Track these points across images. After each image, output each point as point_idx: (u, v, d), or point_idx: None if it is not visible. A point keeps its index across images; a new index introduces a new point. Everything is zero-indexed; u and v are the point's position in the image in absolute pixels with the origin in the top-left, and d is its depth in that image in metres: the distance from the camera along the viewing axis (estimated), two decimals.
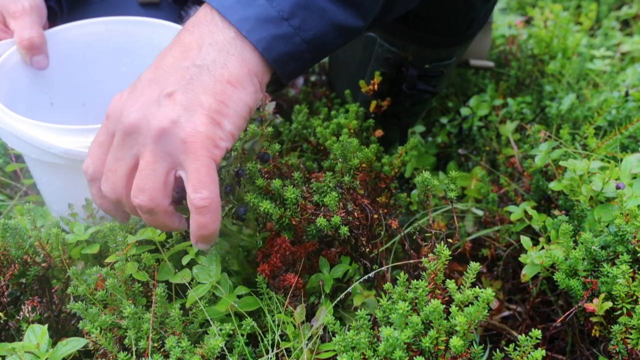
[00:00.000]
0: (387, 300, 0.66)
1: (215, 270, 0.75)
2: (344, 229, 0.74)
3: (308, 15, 0.64)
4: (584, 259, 0.71)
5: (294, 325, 0.73)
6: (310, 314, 0.77)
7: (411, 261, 0.81)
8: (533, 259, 0.77)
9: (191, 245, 0.82)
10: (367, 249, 0.80)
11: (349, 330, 0.65)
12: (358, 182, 0.80)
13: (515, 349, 0.61)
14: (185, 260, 0.77)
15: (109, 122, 0.66)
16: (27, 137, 0.81)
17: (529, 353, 0.60)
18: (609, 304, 0.66)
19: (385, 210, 0.86)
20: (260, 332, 0.73)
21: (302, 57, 0.66)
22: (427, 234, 0.79)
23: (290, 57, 0.65)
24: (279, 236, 0.77)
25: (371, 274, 0.78)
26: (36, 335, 0.68)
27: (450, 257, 0.68)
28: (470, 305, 0.61)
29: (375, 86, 1.04)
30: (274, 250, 0.76)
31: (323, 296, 0.78)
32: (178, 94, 0.61)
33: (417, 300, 0.66)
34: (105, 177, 0.66)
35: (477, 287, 0.63)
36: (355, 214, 0.78)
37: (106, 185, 0.66)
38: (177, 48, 0.64)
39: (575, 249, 0.71)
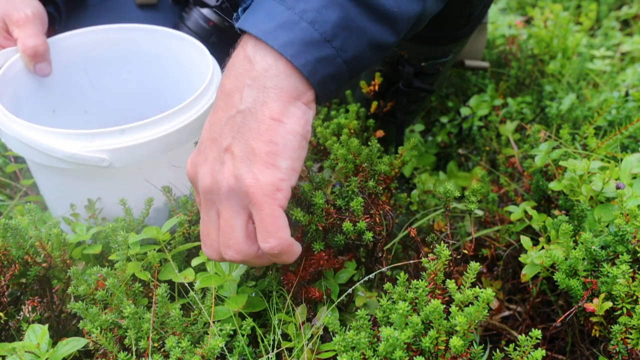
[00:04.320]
0: (387, 301, 0.66)
1: (240, 269, 0.75)
2: (369, 235, 0.74)
3: (348, 36, 0.63)
4: (584, 259, 0.71)
5: (295, 325, 0.73)
6: (313, 316, 0.77)
7: (411, 261, 0.81)
8: (533, 259, 0.77)
9: (199, 247, 0.82)
10: (382, 254, 0.80)
11: (349, 330, 0.65)
12: (381, 188, 0.80)
13: (515, 349, 0.61)
14: (195, 262, 0.77)
15: (194, 186, 0.68)
16: (31, 142, 0.81)
17: (529, 353, 0.60)
18: (609, 304, 0.66)
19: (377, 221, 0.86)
20: (261, 333, 0.73)
21: (341, 78, 0.66)
22: (445, 243, 0.79)
23: (331, 79, 0.64)
24: (310, 247, 0.76)
25: (372, 275, 0.78)
26: (36, 335, 0.68)
27: (451, 257, 0.68)
28: (470, 305, 0.61)
29: (376, 87, 1.04)
30: (308, 264, 0.76)
31: (329, 302, 0.77)
32: (234, 147, 0.62)
33: (417, 300, 0.66)
34: (203, 244, 0.68)
35: (477, 287, 0.63)
36: (377, 219, 0.78)
37: (206, 249, 0.68)
38: (222, 98, 0.64)
39: (575, 249, 0.71)
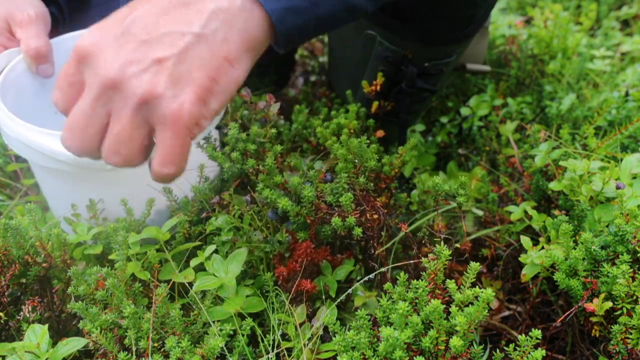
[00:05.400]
0: (387, 300, 0.66)
1: (234, 269, 0.74)
2: (358, 230, 0.74)
3: None
4: (584, 259, 0.71)
5: (295, 326, 0.73)
6: (312, 315, 0.77)
7: (411, 261, 0.81)
8: (533, 259, 0.77)
9: (199, 248, 0.82)
10: (376, 251, 0.80)
11: (349, 330, 0.65)
12: (372, 184, 0.80)
13: (515, 349, 0.61)
14: (193, 263, 0.77)
15: (81, 64, 0.60)
16: (35, 144, 0.81)
17: (529, 353, 0.60)
18: (609, 304, 0.66)
19: (386, 210, 0.86)
20: (261, 333, 0.73)
21: (307, 32, 0.64)
22: (435, 238, 0.79)
23: (297, 31, 0.63)
24: (297, 240, 0.77)
25: (372, 275, 0.78)
26: (36, 335, 0.68)
27: (451, 258, 0.68)
28: (470, 305, 0.61)
29: (378, 87, 1.04)
30: (296, 255, 0.76)
31: (327, 299, 0.78)
32: (169, 62, 0.57)
33: (417, 300, 0.66)
34: (71, 132, 0.60)
35: (477, 287, 0.63)
36: (368, 215, 0.78)
37: (71, 140, 0.61)
38: (174, 5, 0.58)
39: (575, 249, 0.71)
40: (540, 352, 0.59)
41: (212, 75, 0.58)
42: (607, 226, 0.76)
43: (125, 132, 0.59)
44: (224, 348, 0.68)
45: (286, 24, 0.61)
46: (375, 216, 0.80)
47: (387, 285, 0.67)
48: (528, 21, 1.86)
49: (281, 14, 0.60)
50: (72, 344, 0.68)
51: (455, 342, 0.59)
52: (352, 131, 0.97)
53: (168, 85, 0.57)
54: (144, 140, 0.60)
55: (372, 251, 0.81)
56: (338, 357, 0.62)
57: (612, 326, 0.66)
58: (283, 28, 0.61)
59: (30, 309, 0.79)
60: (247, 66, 0.61)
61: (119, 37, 0.59)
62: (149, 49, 0.57)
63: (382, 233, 0.84)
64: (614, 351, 0.66)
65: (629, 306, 0.65)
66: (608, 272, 0.67)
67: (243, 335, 0.70)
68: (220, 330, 0.68)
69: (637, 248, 0.68)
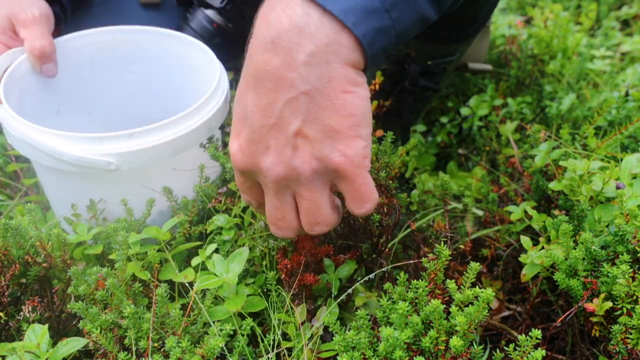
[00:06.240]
0: (387, 300, 0.66)
1: (235, 268, 0.74)
2: (376, 217, 0.76)
3: (404, 7, 0.61)
4: (584, 259, 0.71)
5: (295, 325, 0.73)
6: (313, 312, 0.77)
7: (411, 261, 0.81)
8: (533, 259, 0.77)
9: (199, 247, 0.82)
10: (385, 248, 0.81)
11: (349, 330, 0.65)
12: (391, 182, 0.81)
13: (515, 349, 0.61)
14: (194, 262, 0.77)
15: (246, 173, 0.65)
16: (39, 144, 0.81)
17: (529, 353, 0.60)
18: (609, 304, 0.66)
19: (386, 211, 0.86)
20: (261, 333, 0.73)
21: (387, 52, 0.63)
22: (443, 238, 0.80)
23: (382, 52, 0.62)
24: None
25: (372, 275, 0.78)
26: (36, 335, 0.68)
27: (451, 257, 0.68)
28: (470, 305, 0.61)
29: (377, 86, 1.04)
30: (300, 247, 0.76)
31: (329, 298, 0.78)
32: (306, 129, 0.59)
33: (417, 300, 0.66)
34: (275, 227, 0.67)
35: (477, 287, 0.63)
36: (385, 209, 0.79)
37: (281, 232, 0.67)
38: (270, 79, 0.58)
39: (575, 249, 0.71)
40: (540, 352, 0.59)
41: (345, 114, 0.59)
42: (607, 226, 0.76)
43: (311, 204, 0.63)
44: (224, 348, 0.68)
45: (375, 47, 0.60)
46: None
47: (387, 285, 0.67)
48: (528, 21, 1.86)
49: (371, 38, 0.59)
50: (72, 344, 0.68)
51: (455, 342, 0.59)
52: None
53: (322, 147, 0.59)
54: (331, 202, 0.65)
55: (383, 248, 0.81)
56: (338, 357, 0.62)
57: (612, 326, 0.66)
58: (373, 51, 0.60)
59: (30, 309, 0.79)
60: (363, 81, 0.61)
61: (256, 139, 0.61)
62: (284, 130, 0.59)
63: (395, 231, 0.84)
64: (614, 351, 0.66)
65: (629, 306, 0.65)
66: (608, 272, 0.67)
67: (243, 335, 0.70)
68: (220, 330, 0.68)
69: (637, 248, 0.68)
